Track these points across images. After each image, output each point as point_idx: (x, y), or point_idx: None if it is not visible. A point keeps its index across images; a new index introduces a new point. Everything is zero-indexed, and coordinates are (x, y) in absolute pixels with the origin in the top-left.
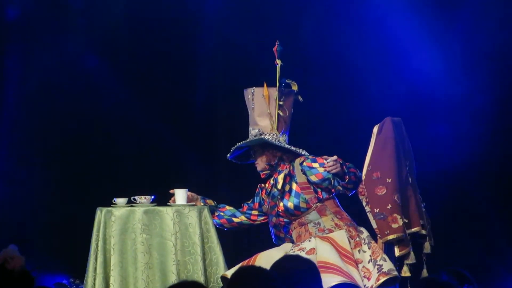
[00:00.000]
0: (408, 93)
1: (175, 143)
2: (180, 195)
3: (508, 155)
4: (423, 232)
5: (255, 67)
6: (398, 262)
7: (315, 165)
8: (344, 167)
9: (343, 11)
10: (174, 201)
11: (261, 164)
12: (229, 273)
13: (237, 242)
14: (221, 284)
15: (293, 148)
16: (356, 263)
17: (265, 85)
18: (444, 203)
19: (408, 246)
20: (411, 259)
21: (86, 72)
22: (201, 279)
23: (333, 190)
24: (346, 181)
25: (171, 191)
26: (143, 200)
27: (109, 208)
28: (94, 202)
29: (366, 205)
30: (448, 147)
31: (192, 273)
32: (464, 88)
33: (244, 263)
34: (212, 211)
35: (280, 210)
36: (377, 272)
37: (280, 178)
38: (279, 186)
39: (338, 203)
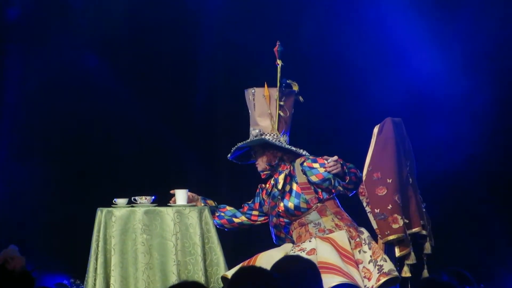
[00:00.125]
0: (408, 93)
1: (176, 143)
2: (181, 195)
3: (508, 155)
4: (424, 232)
5: (256, 67)
6: (399, 263)
7: (316, 165)
8: (345, 167)
9: (343, 11)
10: (174, 202)
11: (261, 164)
12: (230, 273)
13: (238, 242)
14: (222, 285)
15: (293, 148)
16: (356, 263)
17: (265, 85)
18: (444, 203)
19: (409, 246)
20: (412, 260)
21: (86, 72)
22: (201, 279)
23: (333, 191)
24: (346, 181)
25: (171, 192)
26: (144, 200)
27: (110, 209)
28: (95, 202)
29: (366, 205)
30: (448, 147)
31: (192, 273)
32: (464, 88)
33: (245, 263)
34: (212, 212)
35: (280, 211)
36: (378, 273)
37: (281, 178)
38: (280, 187)
39: (339, 204)
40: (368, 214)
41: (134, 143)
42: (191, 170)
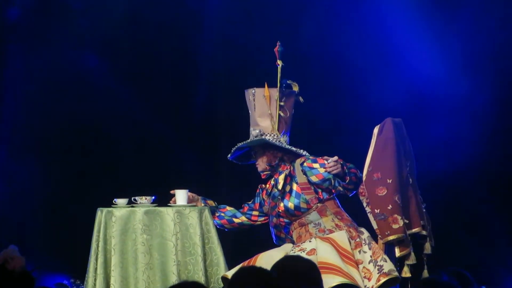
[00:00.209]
0: (408, 94)
1: (176, 143)
2: (181, 195)
3: (508, 155)
4: (424, 232)
5: (256, 67)
6: (399, 263)
7: (316, 165)
8: (345, 167)
9: (343, 11)
10: (174, 202)
11: (261, 164)
12: (230, 273)
13: (238, 242)
14: (222, 285)
15: (293, 148)
16: (356, 263)
17: (266, 85)
18: (444, 203)
19: (409, 246)
20: (412, 260)
21: (86, 72)
22: (201, 279)
23: (333, 191)
24: (346, 181)
25: (171, 192)
26: (144, 200)
27: (110, 209)
28: (95, 202)
29: (366, 205)
30: (448, 147)
31: (192, 273)
32: (464, 88)
33: (245, 263)
34: (212, 212)
35: (280, 211)
36: (378, 273)
37: (281, 178)
38: (280, 187)
39: (339, 204)
40: (368, 214)
41: (134, 143)
42: (191, 170)
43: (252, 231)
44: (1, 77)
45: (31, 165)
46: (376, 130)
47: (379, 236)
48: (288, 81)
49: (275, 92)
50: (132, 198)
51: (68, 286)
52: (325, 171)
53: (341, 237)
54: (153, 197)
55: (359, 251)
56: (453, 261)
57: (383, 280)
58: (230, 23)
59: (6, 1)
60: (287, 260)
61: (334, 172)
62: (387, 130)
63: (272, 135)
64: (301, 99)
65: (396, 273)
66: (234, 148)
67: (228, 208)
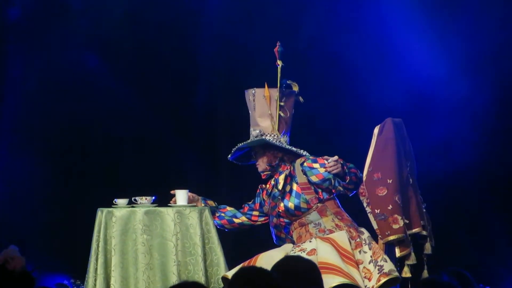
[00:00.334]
0: (409, 94)
1: (176, 143)
2: (181, 195)
3: (508, 155)
4: (424, 233)
5: (256, 67)
6: (399, 263)
7: (316, 165)
8: (345, 167)
9: (343, 11)
10: (175, 202)
11: (262, 165)
12: (230, 273)
13: (238, 243)
14: (222, 285)
15: (294, 148)
16: (357, 263)
17: (266, 86)
18: (444, 203)
19: (409, 246)
20: (412, 260)
21: (86, 72)
22: (202, 279)
23: (333, 191)
24: (347, 181)
25: (172, 192)
26: (144, 200)
27: (110, 209)
28: (95, 203)
29: (367, 205)
30: (448, 147)
31: (193, 273)
32: (464, 88)
33: (245, 263)
34: (213, 212)
35: (280, 211)
36: (378, 273)
37: (281, 178)
38: (280, 187)
39: (339, 204)
40: (369, 214)
41: (134, 143)
42: (191, 170)
43: (252, 231)
44: (1, 77)
45: (31, 165)
46: (376, 130)
47: (379, 236)
48: (288, 81)
49: (275, 92)
50: (133, 198)
51: (68, 286)
52: (325, 171)
53: (341, 237)
54: (153, 197)
55: (360, 251)
56: (453, 261)
57: (383, 280)
58: (230, 23)
59: (6, 1)
60: (288, 260)
61: (334, 172)
62: (387, 130)
63: (272, 135)
64: (301, 99)
65: (396, 273)
66: (235, 148)
67: (228, 208)
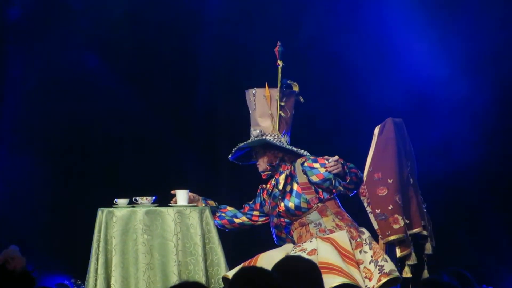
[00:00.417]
0: (409, 94)
1: (176, 143)
2: (182, 195)
3: (508, 155)
4: (424, 233)
5: (256, 67)
6: (400, 263)
7: (316, 165)
8: (346, 167)
9: (343, 11)
10: (175, 202)
11: (262, 164)
12: (230, 273)
13: (238, 243)
14: (222, 285)
15: (294, 148)
16: (357, 263)
17: (266, 86)
18: (444, 203)
19: (409, 246)
20: (412, 260)
21: (86, 71)
22: (202, 279)
23: (334, 191)
24: (347, 181)
25: (172, 192)
26: (145, 200)
27: (111, 209)
28: (95, 203)
29: (367, 205)
30: (448, 147)
31: (193, 273)
32: (464, 88)
33: (245, 263)
34: (213, 212)
35: (281, 211)
36: (379, 273)
37: (282, 178)
38: (280, 187)
39: (339, 204)
40: (369, 214)
41: (134, 143)
42: (191, 170)
43: (252, 231)
44: (1, 77)
45: (31, 165)
46: (376, 130)
47: (380, 236)
48: (288, 81)
49: (275, 92)
50: (133, 198)
51: (69, 286)
52: (326, 171)
53: (341, 237)
54: (153, 197)
55: (360, 251)
56: (453, 261)
57: (384, 280)
58: (230, 23)
59: (6, 1)
60: (288, 260)
61: (335, 171)
62: (388, 130)
63: (273, 135)
64: (301, 99)
65: (397, 273)
66: (235, 148)
67: (228, 208)
